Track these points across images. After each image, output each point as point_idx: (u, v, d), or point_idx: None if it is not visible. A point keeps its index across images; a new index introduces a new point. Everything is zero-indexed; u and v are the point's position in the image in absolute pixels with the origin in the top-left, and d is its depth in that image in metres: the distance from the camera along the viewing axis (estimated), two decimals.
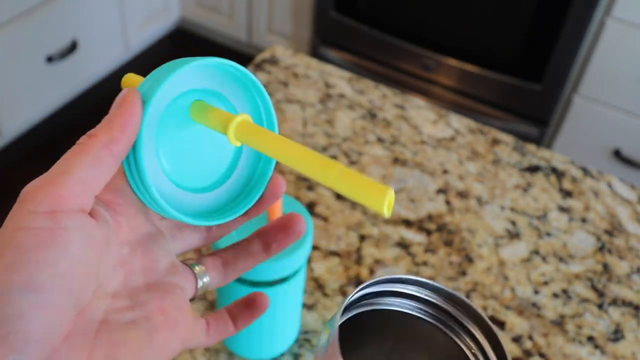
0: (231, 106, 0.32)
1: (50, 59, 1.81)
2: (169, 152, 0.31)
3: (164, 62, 0.31)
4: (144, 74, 0.35)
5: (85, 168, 0.27)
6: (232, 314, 0.35)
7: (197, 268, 0.33)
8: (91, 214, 0.27)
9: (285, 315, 0.54)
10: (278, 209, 0.49)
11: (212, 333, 0.34)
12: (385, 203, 0.26)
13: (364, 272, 0.65)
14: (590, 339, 0.62)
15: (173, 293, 0.30)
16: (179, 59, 0.30)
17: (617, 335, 0.63)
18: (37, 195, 0.26)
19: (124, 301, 0.28)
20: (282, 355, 0.57)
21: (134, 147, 0.29)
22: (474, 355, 0.32)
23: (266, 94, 0.33)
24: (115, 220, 0.29)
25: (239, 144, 0.30)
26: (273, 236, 0.35)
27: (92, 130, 0.28)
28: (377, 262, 0.66)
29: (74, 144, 0.29)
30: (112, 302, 0.28)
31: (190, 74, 0.30)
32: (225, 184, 0.33)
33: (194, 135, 0.32)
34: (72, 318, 0.25)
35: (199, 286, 0.33)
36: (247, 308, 0.35)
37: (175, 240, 0.33)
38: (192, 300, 0.33)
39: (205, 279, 0.33)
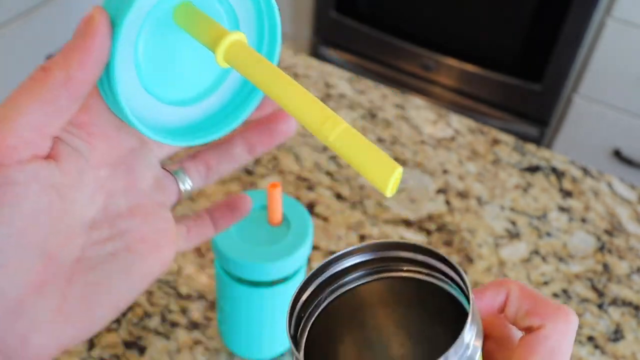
0: (232, 12, 0.28)
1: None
2: (150, 61, 0.26)
3: None
4: None
5: (35, 110, 0.24)
6: (213, 216, 0.33)
7: (180, 175, 0.32)
8: (52, 153, 0.25)
9: (285, 315, 0.54)
10: (277, 209, 0.49)
11: (193, 237, 0.32)
12: (391, 181, 0.23)
13: None
14: (590, 339, 0.62)
15: (155, 215, 0.29)
16: None
17: (617, 335, 0.63)
18: None
19: (103, 231, 0.27)
20: (282, 355, 0.57)
21: (107, 67, 0.25)
22: (453, 287, 0.30)
23: (276, 11, 0.27)
24: (90, 144, 0.27)
25: (226, 66, 0.25)
26: (257, 137, 0.32)
27: (48, 62, 0.25)
28: None
29: None
30: (90, 236, 0.26)
31: None
32: (210, 97, 0.29)
33: (181, 42, 0.27)
34: (39, 268, 0.24)
35: (183, 191, 0.32)
36: (229, 209, 0.33)
37: (161, 146, 0.31)
38: (175, 205, 0.32)
39: (188, 185, 0.32)
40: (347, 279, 0.30)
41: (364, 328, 0.32)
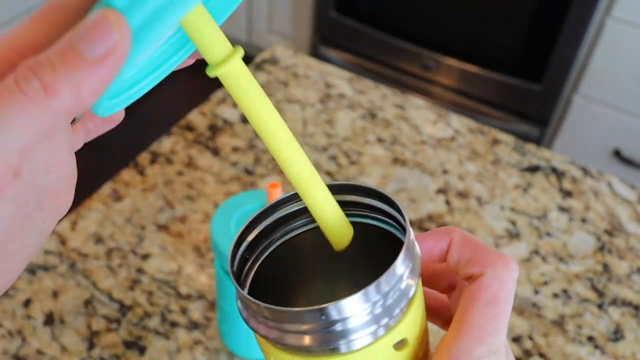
0: None
1: None
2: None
3: None
4: None
5: (25, 138, 0.20)
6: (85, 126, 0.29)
7: None
8: None
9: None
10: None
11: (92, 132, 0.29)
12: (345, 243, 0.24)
13: None
14: (590, 339, 0.62)
15: (61, 166, 0.24)
16: None
17: (617, 335, 0.63)
18: None
19: (19, 220, 0.23)
20: None
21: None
22: (399, 230, 0.28)
23: None
24: None
25: (212, 75, 0.24)
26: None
27: (50, 76, 0.19)
28: None
29: None
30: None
31: None
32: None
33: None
34: None
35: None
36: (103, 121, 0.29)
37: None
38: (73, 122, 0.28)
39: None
40: (294, 224, 0.30)
41: (311, 272, 0.32)
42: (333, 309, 0.23)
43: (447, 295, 0.30)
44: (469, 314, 0.25)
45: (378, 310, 0.24)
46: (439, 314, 0.31)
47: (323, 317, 0.24)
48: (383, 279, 0.24)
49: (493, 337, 0.25)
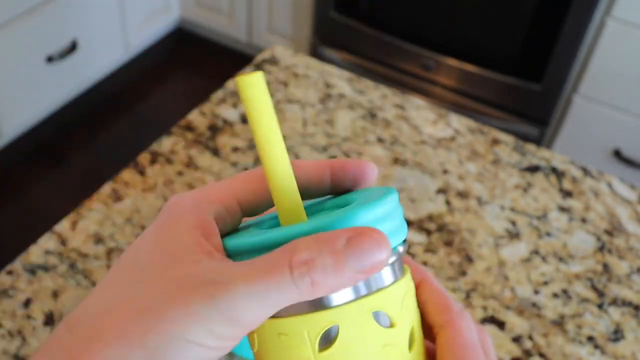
0: None
1: (50, 59, 1.81)
2: None
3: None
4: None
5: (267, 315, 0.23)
6: None
7: None
8: None
9: None
10: None
11: None
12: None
13: None
14: (590, 339, 0.62)
15: None
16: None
17: (617, 335, 0.63)
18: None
19: None
20: None
21: None
22: None
23: None
24: None
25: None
26: None
27: (320, 277, 0.22)
28: None
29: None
30: None
31: None
32: None
33: None
34: None
35: None
36: None
37: None
38: None
39: None
40: None
41: None
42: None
43: None
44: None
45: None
46: None
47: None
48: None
49: None
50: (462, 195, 0.75)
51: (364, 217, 0.24)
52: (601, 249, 0.71)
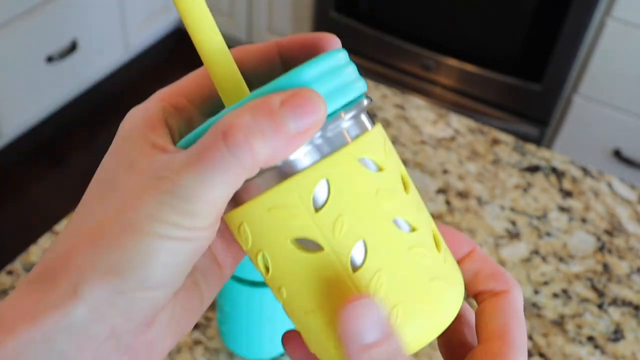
0: None
1: (50, 59, 1.81)
2: None
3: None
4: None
5: (225, 194, 0.22)
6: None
7: None
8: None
9: (285, 314, 0.54)
10: None
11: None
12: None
13: None
14: (590, 339, 0.62)
15: None
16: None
17: (617, 335, 0.63)
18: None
19: None
20: (282, 355, 0.57)
21: None
22: None
23: None
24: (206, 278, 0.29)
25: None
26: None
27: (259, 142, 0.21)
28: None
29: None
30: None
31: None
32: None
33: None
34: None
35: None
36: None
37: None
38: None
39: None
40: None
41: None
42: None
43: None
44: (510, 328, 0.28)
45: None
46: None
47: None
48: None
49: (526, 349, 0.28)
50: (462, 195, 0.75)
51: (300, 79, 0.22)
52: (601, 249, 0.71)
